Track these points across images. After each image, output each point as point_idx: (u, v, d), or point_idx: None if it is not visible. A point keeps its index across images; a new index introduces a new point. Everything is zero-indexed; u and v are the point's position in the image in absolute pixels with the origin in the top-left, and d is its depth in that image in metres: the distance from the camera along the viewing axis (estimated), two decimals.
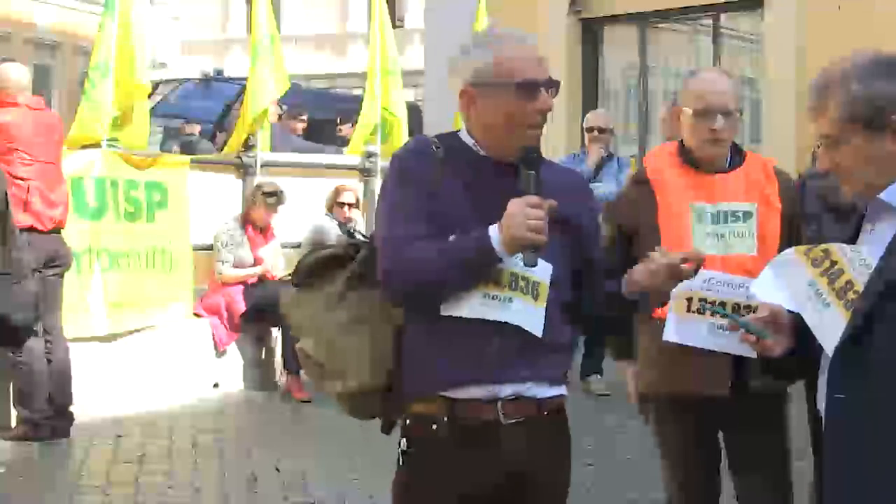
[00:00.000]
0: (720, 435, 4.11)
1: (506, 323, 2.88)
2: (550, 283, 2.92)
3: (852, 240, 2.66)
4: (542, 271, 2.91)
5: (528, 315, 2.89)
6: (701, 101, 3.92)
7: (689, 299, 3.84)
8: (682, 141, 4.03)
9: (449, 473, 2.92)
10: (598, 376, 8.57)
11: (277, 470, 6.58)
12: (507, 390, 2.90)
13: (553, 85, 2.95)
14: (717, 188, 3.94)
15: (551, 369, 2.97)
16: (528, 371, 2.92)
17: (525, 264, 2.84)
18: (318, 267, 3.07)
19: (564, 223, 2.94)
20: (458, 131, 3.05)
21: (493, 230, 2.82)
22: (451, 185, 2.92)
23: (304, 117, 13.58)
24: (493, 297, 2.88)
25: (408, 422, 2.98)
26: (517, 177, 2.89)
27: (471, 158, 2.98)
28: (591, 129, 8.85)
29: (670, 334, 3.86)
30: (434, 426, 2.92)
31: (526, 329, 2.89)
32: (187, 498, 6.14)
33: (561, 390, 3.01)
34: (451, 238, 2.87)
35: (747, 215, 3.92)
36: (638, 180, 4.10)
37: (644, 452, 6.93)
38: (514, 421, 2.91)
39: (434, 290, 2.88)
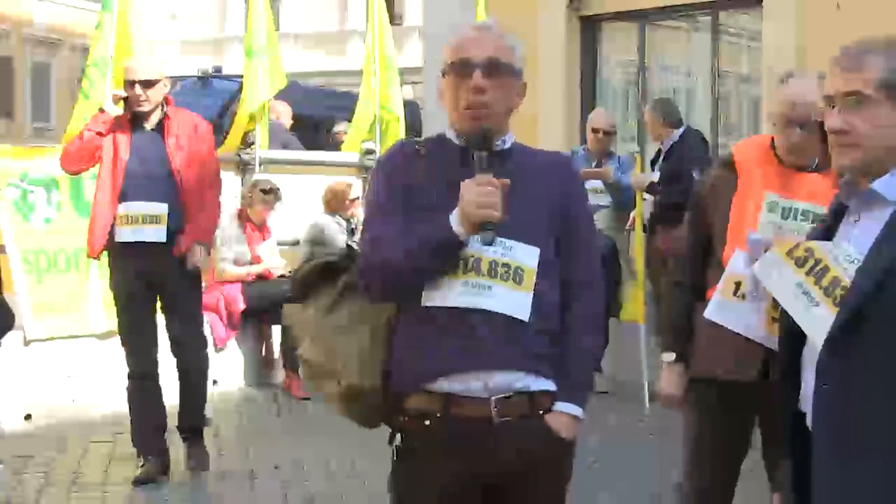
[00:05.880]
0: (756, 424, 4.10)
1: (490, 311, 2.88)
2: (539, 267, 2.93)
3: (831, 230, 2.64)
4: (527, 255, 2.92)
5: (511, 301, 2.90)
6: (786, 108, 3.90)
7: (738, 283, 3.85)
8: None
9: (443, 469, 2.92)
10: (599, 373, 8.56)
11: (276, 467, 6.59)
12: (497, 379, 2.90)
13: (490, 66, 2.93)
14: (797, 185, 3.96)
15: (541, 359, 2.95)
16: (517, 359, 2.91)
17: (482, 243, 2.86)
18: (314, 276, 3.13)
19: (545, 202, 2.97)
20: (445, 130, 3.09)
21: (453, 213, 2.85)
22: (436, 180, 2.95)
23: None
24: (472, 286, 2.89)
25: (402, 417, 2.99)
26: (483, 163, 2.91)
27: (452, 152, 3.01)
28: (596, 130, 8.89)
29: (710, 313, 3.89)
30: (427, 422, 2.93)
31: (510, 315, 2.89)
32: (186, 496, 6.13)
33: (550, 385, 2.98)
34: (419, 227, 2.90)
35: (817, 217, 3.92)
36: (724, 163, 4.11)
37: (646, 450, 6.94)
38: (507, 419, 2.91)
39: (407, 280, 2.91)
